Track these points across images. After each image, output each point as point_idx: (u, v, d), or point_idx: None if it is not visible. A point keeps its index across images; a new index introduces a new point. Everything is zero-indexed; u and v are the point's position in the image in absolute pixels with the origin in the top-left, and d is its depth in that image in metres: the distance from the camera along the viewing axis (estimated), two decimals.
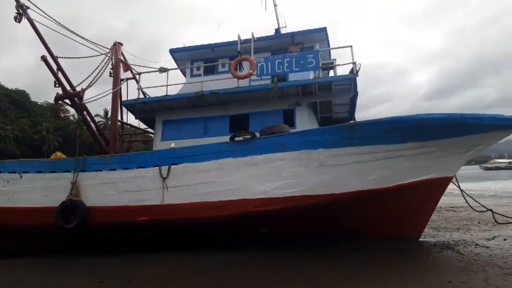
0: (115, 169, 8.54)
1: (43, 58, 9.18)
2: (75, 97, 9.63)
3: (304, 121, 9.12)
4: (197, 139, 9.32)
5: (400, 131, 7.66)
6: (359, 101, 10.08)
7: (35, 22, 9.09)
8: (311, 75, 9.53)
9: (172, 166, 8.21)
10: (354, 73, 8.67)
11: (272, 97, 8.67)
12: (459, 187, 11.05)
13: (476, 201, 10.52)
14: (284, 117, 9.40)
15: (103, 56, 10.49)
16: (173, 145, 9.34)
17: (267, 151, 7.92)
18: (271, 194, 7.78)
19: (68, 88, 9.80)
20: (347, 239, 8.12)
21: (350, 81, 8.74)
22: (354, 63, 8.84)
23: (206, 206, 7.89)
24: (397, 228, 8.24)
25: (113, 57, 10.99)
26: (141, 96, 10.52)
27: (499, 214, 10.70)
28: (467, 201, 9.75)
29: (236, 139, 8.12)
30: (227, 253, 7.72)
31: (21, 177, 8.87)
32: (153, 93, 11.13)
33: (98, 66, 10.22)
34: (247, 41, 9.87)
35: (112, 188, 8.43)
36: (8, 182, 8.92)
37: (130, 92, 11.48)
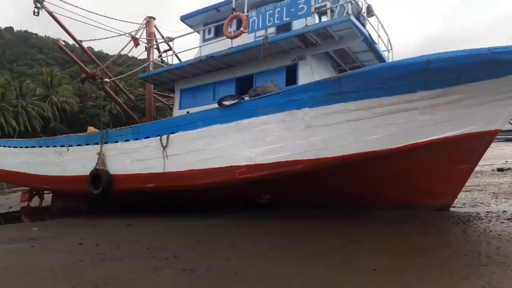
0: (128, 140, 9.23)
1: (58, 45, 10.24)
2: (95, 77, 10.56)
3: (308, 77, 8.04)
4: (208, 105, 9.25)
5: (403, 79, 6.18)
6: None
7: (54, 13, 10.05)
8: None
9: (170, 135, 8.43)
10: (348, 14, 7.13)
11: (263, 55, 7.88)
12: None
13: None
14: (286, 74, 8.51)
15: (130, 34, 11.10)
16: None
17: (251, 115, 7.42)
18: (256, 160, 7.34)
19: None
20: (353, 207, 7.24)
21: (348, 25, 7.24)
22: (349, 1, 7.25)
23: (197, 173, 7.95)
24: (415, 196, 6.91)
25: (146, 31, 11.62)
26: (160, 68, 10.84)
27: None
28: None
29: (224, 103, 7.79)
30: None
31: (67, 150, 10.37)
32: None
33: (126, 45, 10.95)
34: None
35: (127, 158, 9.18)
36: (60, 154, 10.53)
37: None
